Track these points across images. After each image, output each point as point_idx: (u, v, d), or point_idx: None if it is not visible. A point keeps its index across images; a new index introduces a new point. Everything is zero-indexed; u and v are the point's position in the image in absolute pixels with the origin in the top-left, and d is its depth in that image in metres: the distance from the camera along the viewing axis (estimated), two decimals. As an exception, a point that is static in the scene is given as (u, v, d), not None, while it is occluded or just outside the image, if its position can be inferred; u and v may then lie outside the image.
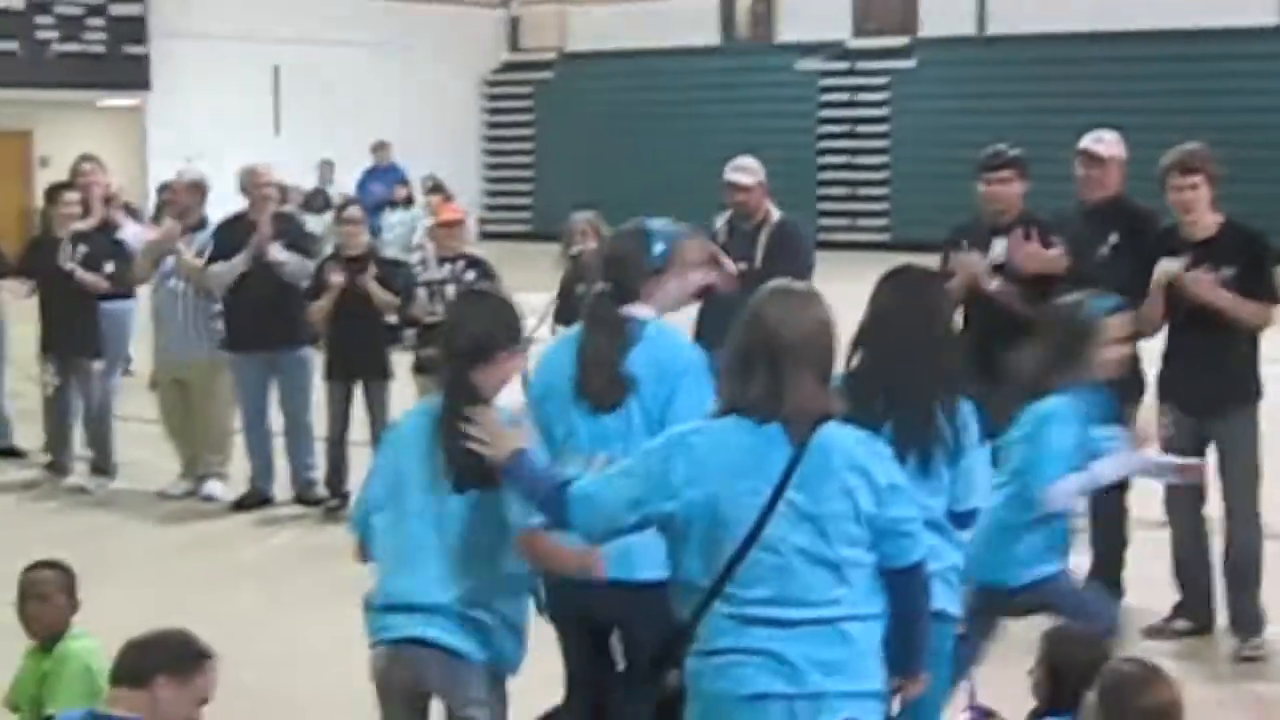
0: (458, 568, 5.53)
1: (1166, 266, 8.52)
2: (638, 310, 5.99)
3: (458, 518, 5.55)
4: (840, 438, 4.85)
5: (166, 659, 4.99)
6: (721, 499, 4.83)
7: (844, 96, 34.09)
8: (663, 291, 6.08)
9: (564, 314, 10.92)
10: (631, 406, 5.88)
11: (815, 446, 4.81)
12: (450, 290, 11.20)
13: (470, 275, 11.28)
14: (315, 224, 16.07)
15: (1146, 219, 9.08)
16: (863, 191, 33.65)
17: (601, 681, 6.00)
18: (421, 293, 11.34)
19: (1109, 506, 9.01)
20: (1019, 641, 6.41)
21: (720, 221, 10.95)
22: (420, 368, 11.40)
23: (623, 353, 5.88)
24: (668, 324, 6.14)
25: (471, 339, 5.68)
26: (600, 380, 5.89)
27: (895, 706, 5.06)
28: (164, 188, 19.00)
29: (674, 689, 5.04)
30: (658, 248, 6.07)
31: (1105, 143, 9.17)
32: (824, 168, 34.00)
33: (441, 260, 11.48)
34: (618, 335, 5.91)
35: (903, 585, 4.90)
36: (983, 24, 33.23)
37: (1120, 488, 9.02)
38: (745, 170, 10.73)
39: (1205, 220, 8.66)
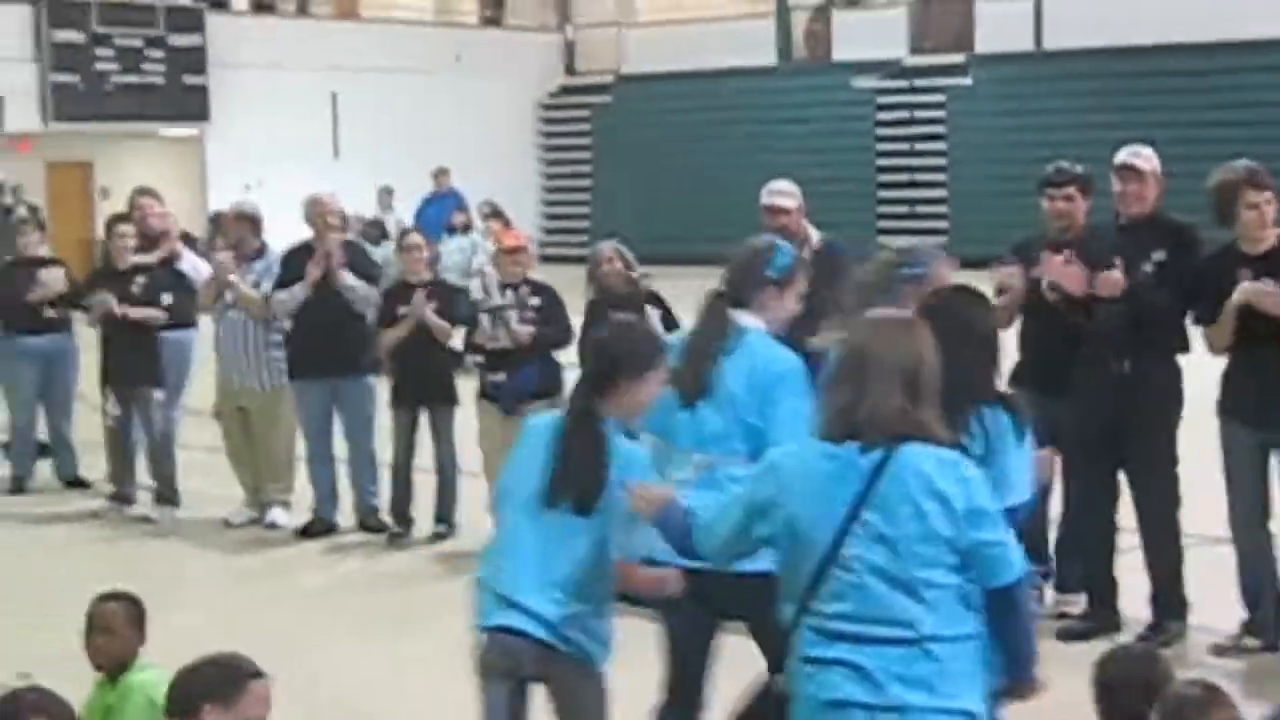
0: (551, 573, 5.80)
1: (1247, 287, 8.46)
2: (745, 318, 6.33)
3: (557, 528, 5.81)
4: (920, 460, 4.93)
5: (210, 686, 5.00)
6: (801, 519, 5.00)
7: (902, 114, 34.05)
8: (778, 305, 6.45)
9: (590, 336, 10.87)
10: (726, 410, 6.24)
11: (892, 469, 4.91)
12: (513, 317, 11.20)
13: (535, 301, 11.27)
14: (374, 253, 16.08)
15: (1189, 234, 9.04)
16: (921, 209, 33.58)
17: (707, 670, 6.37)
18: (485, 320, 11.33)
19: (1164, 529, 8.98)
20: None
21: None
22: (485, 394, 11.41)
23: (716, 351, 6.25)
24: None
25: (593, 368, 6.02)
26: (689, 374, 6.26)
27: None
28: (215, 218, 19.15)
29: (783, 692, 5.22)
30: (780, 262, 6.46)
31: (1144, 157, 9.11)
32: (883, 186, 33.95)
33: (504, 286, 11.46)
34: (717, 335, 6.30)
35: (997, 604, 5.00)
36: (1039, 39, 33.12)
37: (1171, 506, 8.99)
38: (785, 193, 10.62)
39: (1267, 234, 8.63)
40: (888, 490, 4.90)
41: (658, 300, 11.03)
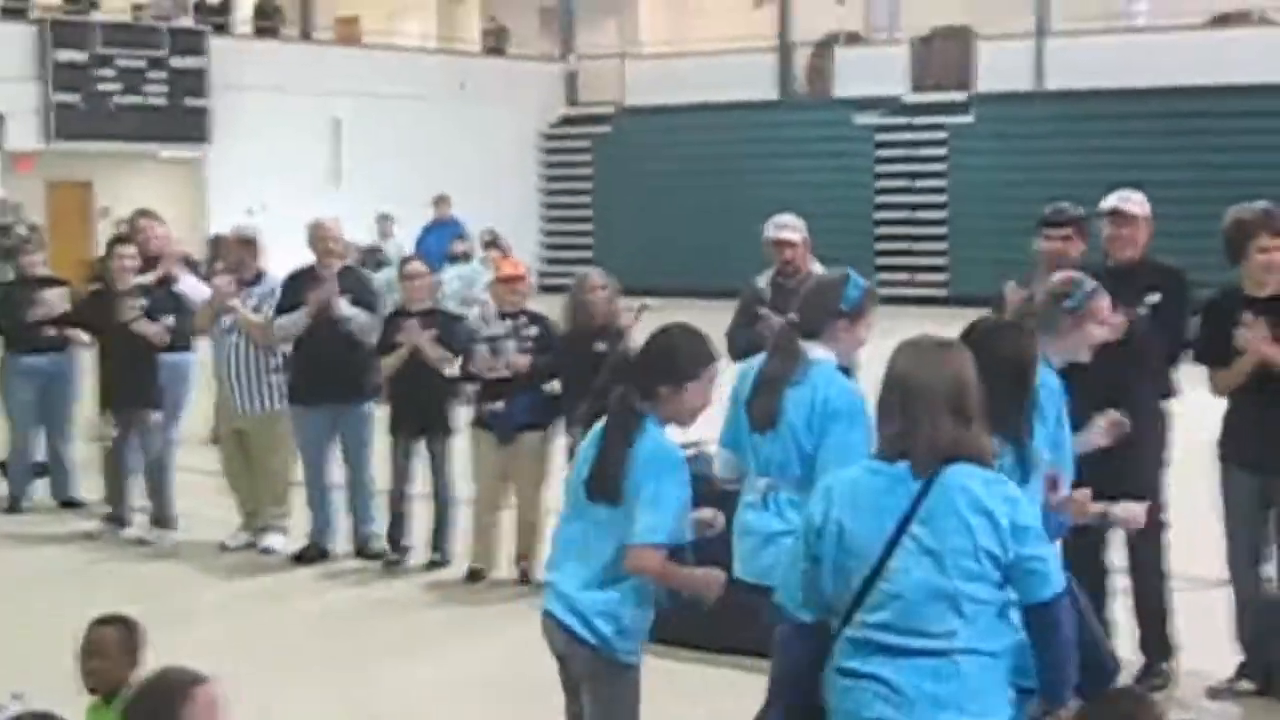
0: (588, 561, 6.09)
1: (1247, 330, 8.46)
2: (815, 350, 6.62)
3: (596, 523, 6.08)
4: (966, 477, 5.06)
5: (153, 706, 4.98)
6: (852, 533, 5.10)
7: (902, 151, 34.12)
8: (849, 336, 6.75)
9: (571, 364, 10.92)
10: (787, 439, 6.57)
11: (940, 484, 5.04)
12: (511, 346, 11.20)
13: (532, 331, 11.29)
14: (375, 280, 16.09)
15: (1179, 277, 9.04)
16: (921, 246, 33.64)
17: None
18: (482, 348, 11.33)
19: (1149, 571, 8.94)
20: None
21: (763, 279, 10.91)
22: (481, 423, 11.40)
23: (785, 383, 6.54)
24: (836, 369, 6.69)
25: (635, 374, 6.16)
26: (760, 403, 6.61)
27: None
28: (215, 241, 19.16)
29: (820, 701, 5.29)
30: (852, 295, 6.72)
31: (1134, 201, 9.13)
32: (880, 222, 34.01)
33: (502, 315, 11.47)
34: (788, 366, 6.57)
35: (1036, 620, 5.09)
36: (1040, 79, 33.20)
37: (1156, 550, 8.94)
38: (790, 227, 10.79)
39: (1274, 279, 8.62)
40: (936, 505, 5.02)
41: (621, 336, 11.04)
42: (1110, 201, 9.15)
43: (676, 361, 6.11)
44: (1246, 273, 8.67)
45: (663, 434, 6.04)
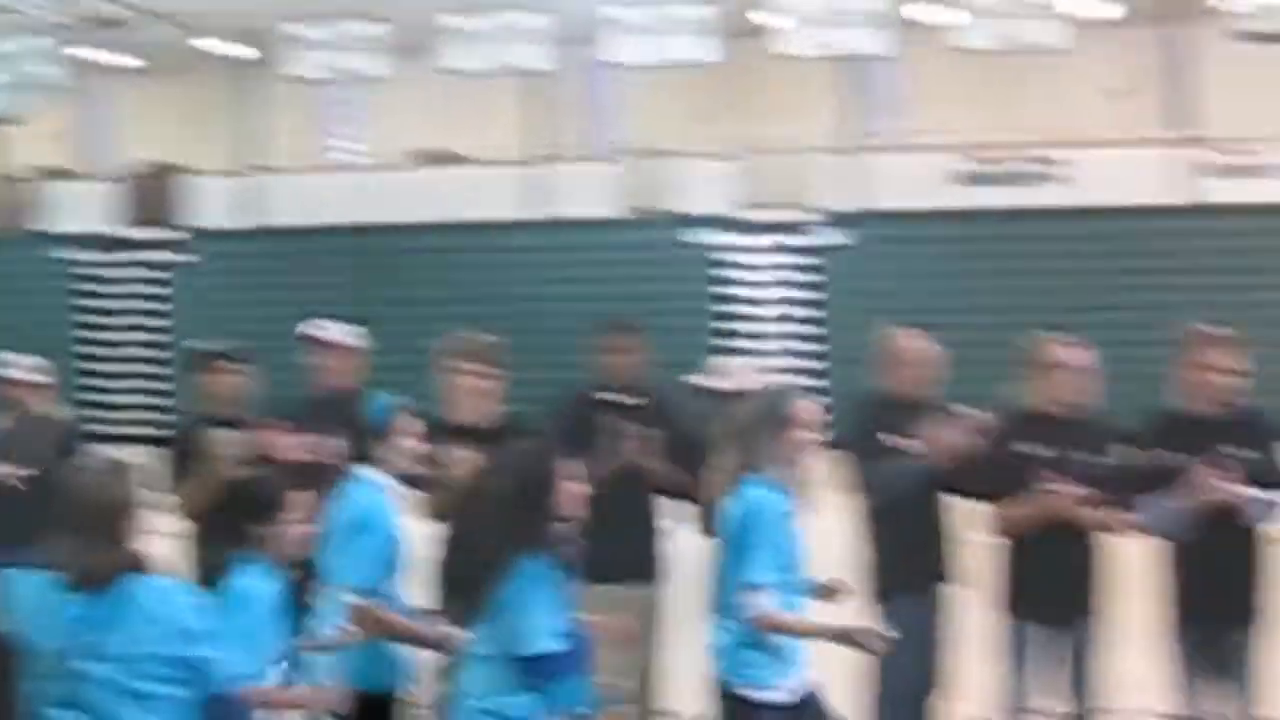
0: None
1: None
2: (363, 470, 7.48)
3: None
4: (149, 585, 5.66)
5: None
6: (35, 635, 5.67)
7: (110, 288, 33.44)
8: (389, 456, 7.47)
9: None
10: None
11: (121, 592, 5.60)
12: None
13: None
14: None
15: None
16: (131, 384, 33.03)
17: None
18: None
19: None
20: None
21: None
22: None
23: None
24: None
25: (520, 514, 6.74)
26: None
27: None
28: None
29: None
30: (375, 418, 7.45)
31: (330, 330, 9.33)
32: (82, 357, 33.16)
33: None
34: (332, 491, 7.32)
35: (213, 709, 5.73)
36: (254, 216, 33.38)
37: None
38: (14, 366, 10.61)
39: (490, 409, 8.84)
40: (113, 612, 5.57)
41: None
42: (308, 329, 9.29)
43: (546, 473, 6.57)
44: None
45: None
